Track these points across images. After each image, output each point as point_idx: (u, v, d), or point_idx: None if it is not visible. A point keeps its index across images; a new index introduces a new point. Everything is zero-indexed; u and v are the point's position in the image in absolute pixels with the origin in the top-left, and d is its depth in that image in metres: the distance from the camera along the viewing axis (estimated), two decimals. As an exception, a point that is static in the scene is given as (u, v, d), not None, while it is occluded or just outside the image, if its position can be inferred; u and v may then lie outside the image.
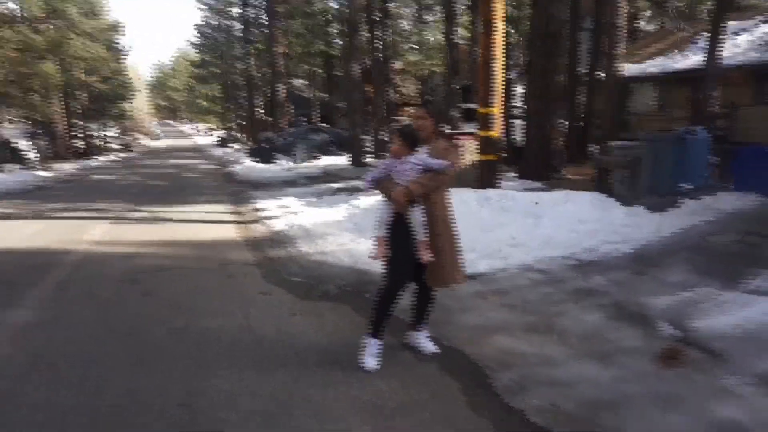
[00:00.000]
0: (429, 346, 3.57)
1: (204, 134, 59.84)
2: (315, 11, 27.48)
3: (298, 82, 36.15)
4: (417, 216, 3.27)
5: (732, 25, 15.34)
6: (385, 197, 3.35)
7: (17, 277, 5.70)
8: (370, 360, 3.36)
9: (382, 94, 19.64)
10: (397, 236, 3.30)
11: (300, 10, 26.99)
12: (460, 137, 9.81)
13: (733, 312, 3.87)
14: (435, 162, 3.25)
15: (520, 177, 10.69)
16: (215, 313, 4.48)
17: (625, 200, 6.95)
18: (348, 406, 2.95)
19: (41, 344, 3.95)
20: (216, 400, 3.07)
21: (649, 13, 27.62)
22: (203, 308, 4.62)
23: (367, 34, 19.41)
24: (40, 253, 6.91)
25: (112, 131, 44.67)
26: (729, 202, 6.65)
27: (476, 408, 2.89)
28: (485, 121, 7.63)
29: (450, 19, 16.70)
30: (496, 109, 7.59)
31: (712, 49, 10.21)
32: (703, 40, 15.13)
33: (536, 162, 10.51)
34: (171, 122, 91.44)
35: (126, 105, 40.93)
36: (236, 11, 34.73)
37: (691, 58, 15.66)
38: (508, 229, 6.39)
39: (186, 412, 2.96)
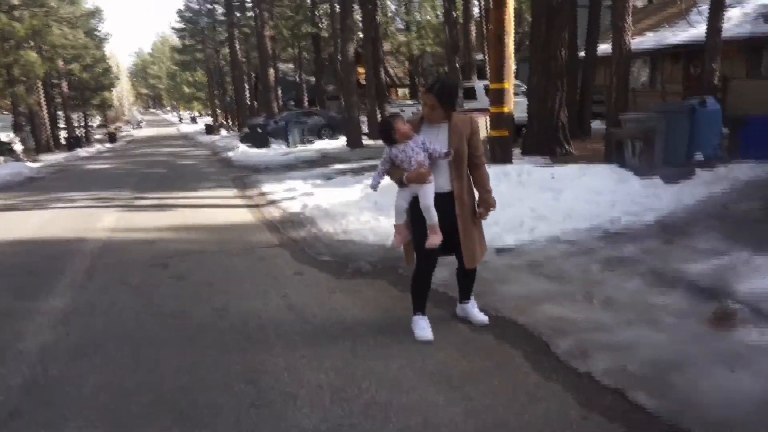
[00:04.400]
0: (480, 317, 3.59)
1: (188, 122, 59.12)
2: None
3: (285, 66, 35.75)
4: (427, 201, 3.23)
5: (724, -3, 15.47)
6: (398, 185, 3.33)
7: (38, 267, 5.62)
8: (423, 332, 3.38)
9: (374, 76, 19.47)
10: (416, 219, 3.31)
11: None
12: (471, 114, 9.79)
13: (772, 275, 3.95)
14: (433, 148, 3.21)
15: (523, 153, 10.71)
16: (252, 294, 4.45)
17: (639, 172, 7.00)
18: (415, 377, 2.96)
19: (83, 330, 3.91)
20: (279, 376, 3.05)
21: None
22: (239, 290, 4.59)
23: (358, 15, 19.20)
24: (53, 242, 6.81)
25: (94, 121, 44.02)
26: (743, 171, 6.73)
27: (544, 373, 2.91)
28: (497, 97, 7.59)
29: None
30: (508, 84, 7.56)
31: (713, 21, 10.26)
32: (695, 14, 15.23)
33: (540, 138, 10.53)
34: (153, 110, 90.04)
35: (108, 94, 40.29)
36: (219, -6, 34.19)
37: (684, 33, 15.76)
38: (528, 202, 6.40)
39: (252, 388, 2.95)
